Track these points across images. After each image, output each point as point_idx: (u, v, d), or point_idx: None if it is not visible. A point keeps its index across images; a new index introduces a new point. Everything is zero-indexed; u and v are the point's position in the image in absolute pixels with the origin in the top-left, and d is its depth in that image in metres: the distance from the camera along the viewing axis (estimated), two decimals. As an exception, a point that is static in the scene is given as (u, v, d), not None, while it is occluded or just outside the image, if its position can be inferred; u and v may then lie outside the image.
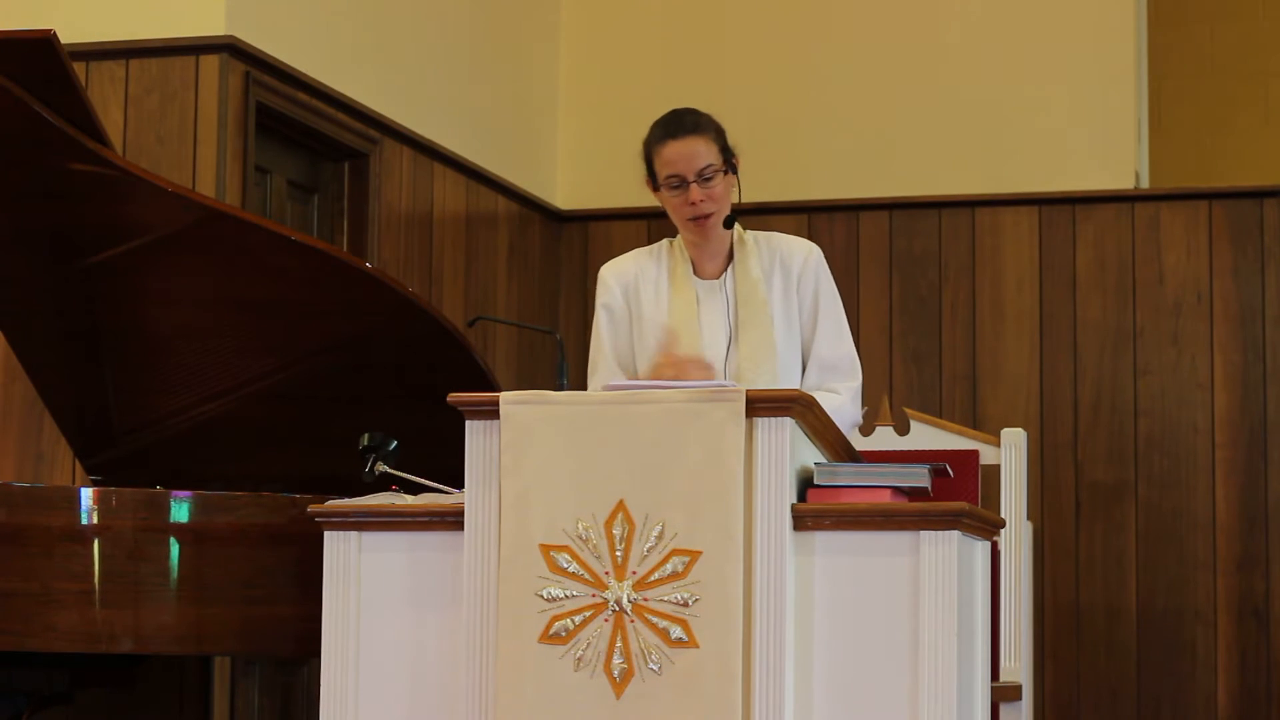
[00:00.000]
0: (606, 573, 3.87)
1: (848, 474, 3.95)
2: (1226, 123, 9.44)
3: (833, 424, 4.08)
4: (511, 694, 3.86)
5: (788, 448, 3.83)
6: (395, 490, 4.22)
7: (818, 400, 3.97)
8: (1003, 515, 5.45)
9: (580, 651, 3.86)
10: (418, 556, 4.04)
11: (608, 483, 3.87)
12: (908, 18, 7.96)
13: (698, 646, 3.81)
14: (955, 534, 3.83)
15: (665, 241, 4.60)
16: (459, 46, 7.48)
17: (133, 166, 4.49)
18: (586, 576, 3.87)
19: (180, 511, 4.29)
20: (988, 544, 4.17)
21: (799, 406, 3.87)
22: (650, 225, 7.81)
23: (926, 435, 5.72)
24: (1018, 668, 5.51)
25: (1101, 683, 7.57)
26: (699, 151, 4.41)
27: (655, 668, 3.83)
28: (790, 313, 4.51)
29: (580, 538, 3.88)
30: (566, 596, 3.87)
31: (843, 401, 4.44)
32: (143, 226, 4.58)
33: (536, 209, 8.05)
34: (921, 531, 3.82)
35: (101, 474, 5.00)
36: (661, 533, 3.85)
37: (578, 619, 3.86)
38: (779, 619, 3.81)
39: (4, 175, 4.53)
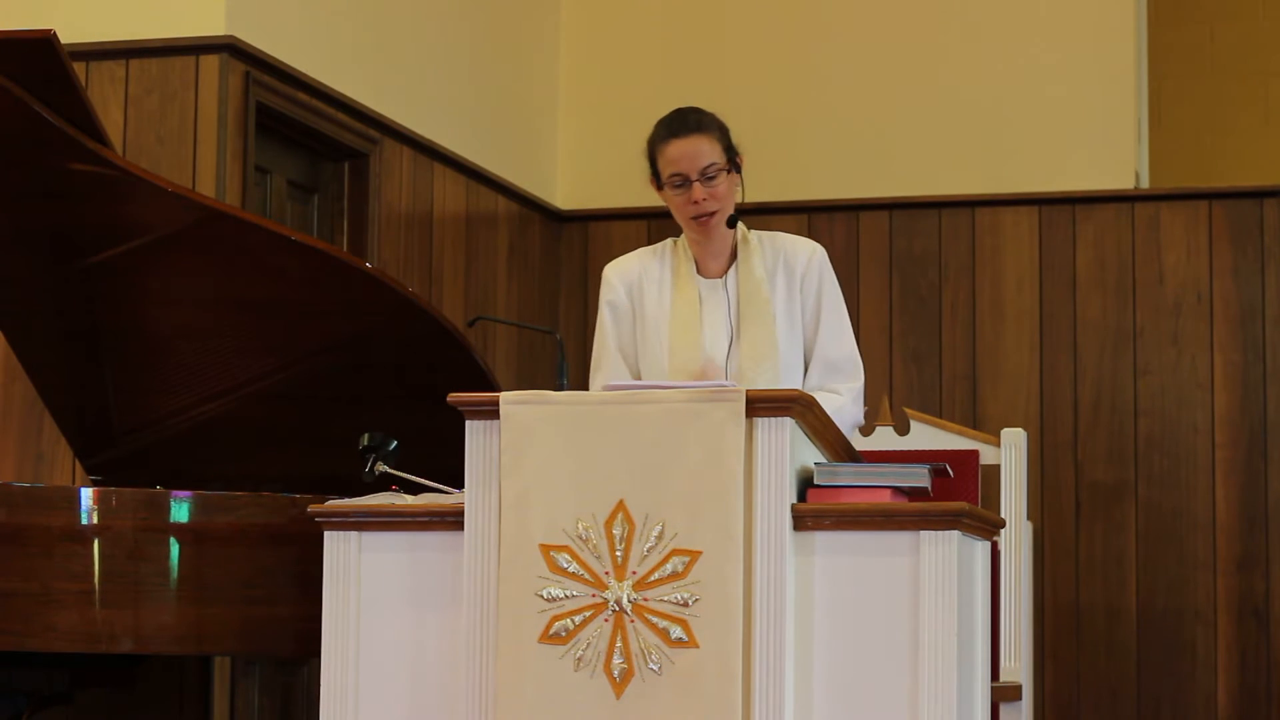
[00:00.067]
0: (606, 573, 3.86)
1: (848, 474, 3.95)
2: (1226, 123, 9.44)
3: (833, 424, 4.08)
4: (511, 694, 3.86)
5: (788, 448, 3.83)
6: (395, 490, 4.22)
7: (819, 400, 3.98)
8: (1003, 515, 5.45)
9: (580, 651, 3.86)
10: (418, 556, 4.04)
11: (608, 483, 3.87)
12: (908, 18, 7.96)
13: (698, 646, 3.81)
14: (955, 534, 3.82)
15: (669, 241, 4.60)
16: (459, 46, 7.47)
17: (133, 166, 4.49)
18: (586, 576, 3.87)
19: (180, 511, 4.29)
20: (988, 544, 4.16)
21: (799, 406, 3.87)
22: (650, 225, 7.81)
23: (926, 435, 5.72)
24: (1018, 668, 5.51)
25: (1101, 683, 7.57)
26: (703, 150, 4.41)
27: (655, 668, 3.83)
28: (793, 312, 4.50)
29: (580, 538, 3.87)
30: (566, 596, 3.87)
31: (844, 402, 4.44)
32: (143, 226, 4.58)
33: (536, 209, 8.05)
34: (921, 531, 3.82)
35: (101, 474, 4.99)
36: (661, 533, 3.85)
37: (578, 619, 3.86)
38: (779, 619, 3.80)
39: (4, 175, 4.53)
